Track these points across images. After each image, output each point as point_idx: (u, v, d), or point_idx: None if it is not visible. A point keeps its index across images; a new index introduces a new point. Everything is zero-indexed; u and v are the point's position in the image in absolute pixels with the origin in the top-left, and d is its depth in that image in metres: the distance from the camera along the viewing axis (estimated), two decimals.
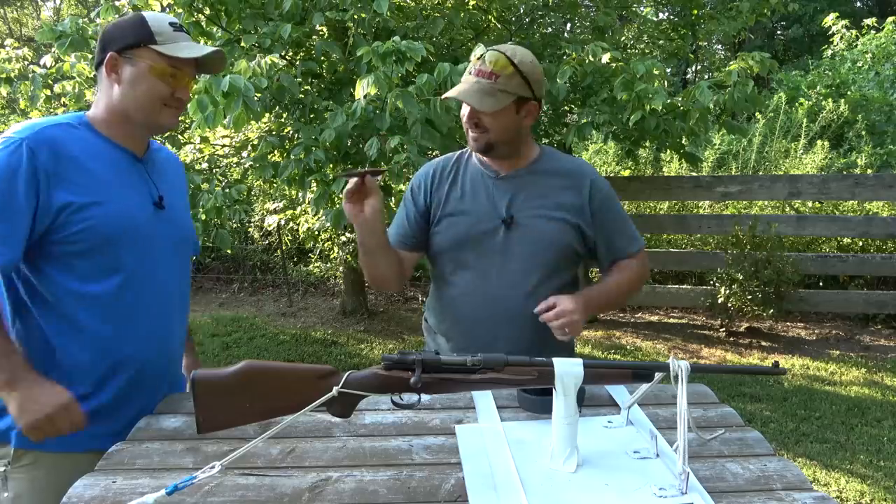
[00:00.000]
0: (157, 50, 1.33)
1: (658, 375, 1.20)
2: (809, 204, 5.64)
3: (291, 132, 3.65)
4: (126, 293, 1.35)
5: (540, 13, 4.61)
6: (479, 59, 1.59)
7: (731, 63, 3.63)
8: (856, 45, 9.02)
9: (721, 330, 5.06)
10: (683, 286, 5.41)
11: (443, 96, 1.67)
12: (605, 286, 1.70)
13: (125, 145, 1.39)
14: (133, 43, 1.34)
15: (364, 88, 2.81)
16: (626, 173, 6.49)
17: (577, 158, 1.81)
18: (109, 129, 1.37)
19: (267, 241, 6.27)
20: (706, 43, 6.32)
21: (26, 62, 3.78)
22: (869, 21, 9.12)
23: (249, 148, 4.16)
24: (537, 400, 1.34)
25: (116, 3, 3.69)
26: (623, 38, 5.36)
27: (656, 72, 3.38)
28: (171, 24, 1.38)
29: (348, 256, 5.09)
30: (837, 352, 4.72)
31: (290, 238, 6.17)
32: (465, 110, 1.60)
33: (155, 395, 1.44)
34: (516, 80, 1.55)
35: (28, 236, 1.27)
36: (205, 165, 4.14)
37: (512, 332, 1.61)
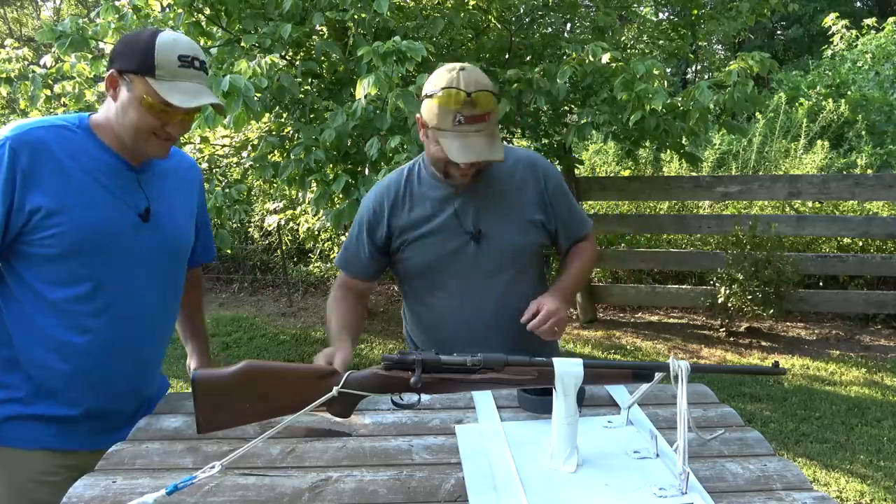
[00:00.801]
0: (152, 85, 1.28)
1: (658, 375, 1.20)
2: (809, 204, 5.64)
3: (291, 132, 3.65)
4: (92, 303, 1.34)
5: (540, 13, 4.61)
6: (461, 104, 1.42)
7: (731, 63, 3.63)
8: (856, 45, 9.03)
9: (721, 330, 5.06)
10: (683, 286, 5.41)
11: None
12: (573, 273, 1.68)
13: (121, 153, 1.37)
14: (133, 69, 1.29)
15: (365, 88, 2.81)
16: (626, 173, 6.49)
17: (520, 149, 1.75)
18: (107, 136, 1.36)
19: (267, 241, 6.27)
20: (706, 43, 6.32)
21: (26, 62, 3.78)
22: (869, 21, 9.12)
23: (249, 148, 4.16)
24: (537, 400, 1.34)
25: (116, 3, 3.69)
26: (623, 38, 5.36)
27: (656, 72, 3.38)
28: (180, 56, 1.30)
29: None
30: (837, 352, 4.72)
31: (290, 238, 6.17)
32: (461, 162, 1.45)
33: (130, 400, 1.44)
34: (496, 107, 1.49)
35: (2, 234, 1.27)
36: (205, 165, 4.14)
37: (498, 339, 1.58)
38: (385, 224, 1.63)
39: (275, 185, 5.14)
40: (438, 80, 1.47)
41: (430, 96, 1.47)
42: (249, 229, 6.23)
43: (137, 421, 1.35)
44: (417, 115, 1.57)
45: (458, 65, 1.50)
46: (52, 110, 3.94)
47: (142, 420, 1.33)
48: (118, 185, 1.36)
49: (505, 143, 1.78)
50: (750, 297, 4.74)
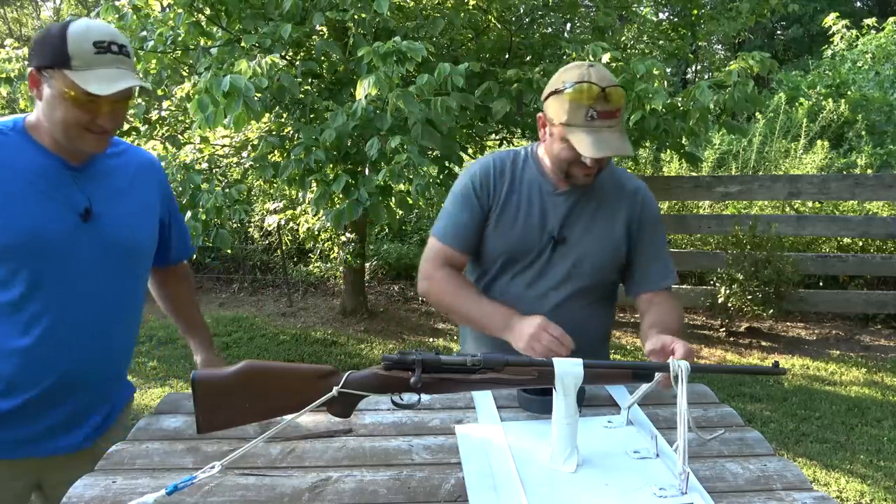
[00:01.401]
0: (70, 77, 1.21)
1: (658, 375, 1.20)
2: (809, 204, 5.64)
3: (291, 132, 3.65)
4: (32, 304, 1.30)
5: (540, 13, 4.61)
6: (594, 99, 1.39)
7: (732, 63, 3.63)
8: (856, 45, 9.03)
9: (721, 330, 5.06)
10: (683, 286, 5.40)
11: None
12: (673, 315, 1.54)
13: (57, 152, 1.31)
14: (49, 63, 1.23)
15: (365, 88, 2.81)
16: None
17: (629, 174, 1.69)
18: (42, 137, 1.30)
19: (267, 241, 6.27)
20: (706, 43, 6.32)
21: (26, 62, 3.78)
22: (869, 21, 9.12)
23: (249, 148, 4.16)
24: (537, 400, 1.34)
25: (116, 3, 3.69)
26: (623, 38, 5.35)
27: (656, 72, 3.38)
28: (95, 43, 1.23)
29: (348, 256, 5.09)
30: (837, 352, 4.72)
31: (290, 238, 6.17)
32: (594, 157, 1.41)
33: (85, 405, 1.40)
34: (625, 103, 1.48)
35: None
36: (205, 165, 4.14)
37: None
38: (491, 194, 1.58)
39: (275, 186, 5.14)
40: (568, 75, 1.43)
41: (559, 92, 1.43)
42: (249, 229, 6.23)
43: (90, 426, 1.33)
44: (539, 115, 1.52)
45: (585, 62, 1.47)
46: None
47: (142, 420, 1.33)
48: (54, 187, 1.30)
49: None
50: (750, 297, 4.74)
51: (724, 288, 4.82)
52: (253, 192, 5.80)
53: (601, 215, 1.58)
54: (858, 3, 14.21)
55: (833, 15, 9.48)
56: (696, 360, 1.28)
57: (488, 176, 1.59)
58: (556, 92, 1.45)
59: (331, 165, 3.42)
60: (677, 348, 1.27)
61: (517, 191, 1.58)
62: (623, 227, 1.58)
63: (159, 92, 3.72)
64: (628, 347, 4.74)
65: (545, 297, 1.57)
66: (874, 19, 9.17)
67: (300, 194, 4.67)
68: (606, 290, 1.65)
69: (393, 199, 3.65)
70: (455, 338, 4.94)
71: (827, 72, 8.49)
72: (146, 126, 3.90)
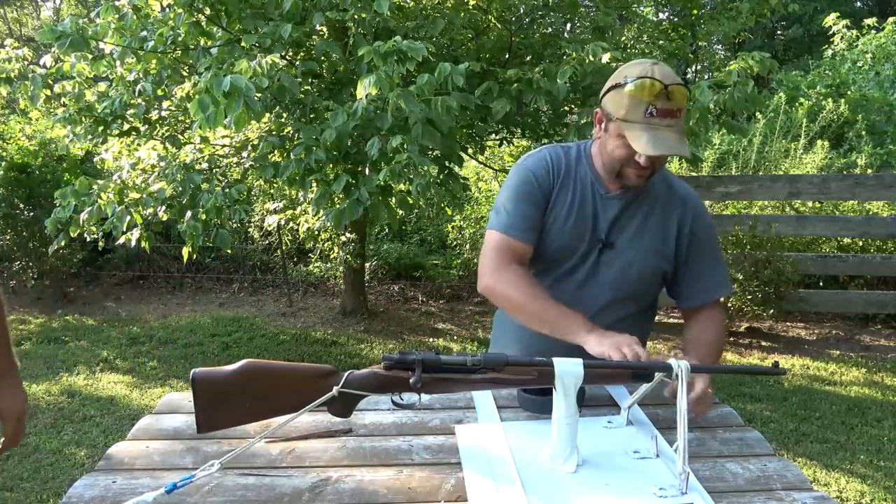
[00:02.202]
0: None
1: (658, 375, 1.20)
2: (809, 204, 5.63)
3: (292, 132, 3.65)
4: None
5: (540, 13, 4.61)
6: (655, 95, 1.34)
7: (732, 63, 3.62)
8: (856, 45, 9.02)
9: None
10: None
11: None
12: (713, 353, 1.49)
13: None
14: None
15: (366, 88, 2.81)
16: None
17: (682, 182, 1.64)
18: None
19: (267, 241, 6.27)
20: (706, 43, 6.31)
21: (26, 62, 3.78)
22: (869, 21, 9.12)
23: (249, 148, 4.15)
24: (537, 400, 1.34)
25: (116, 3, 3.69)
26: (623, 38, 5.35)
27: None
28: None
29: (348, 256, 5.09)
30: (837, 352, 4.72)
31: (290, 238, 6.17)
32: (640, 156, 1.38)
33: None
34: (688, 104, 1.43)
35: None
36: (205, 165, 4.14)
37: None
38: (550, 184, 1.53)
39: (275, 186, 5.13)
40: (630, 70, 1.38)
41: (620, 86, 1.38)
42: (249, 229, 6.23)
43: None
44: (596, 110, 1.48)
45: (649, 59, 1.43)
46: (51, 110, 3.94)
47: (142, 420, 1.33)
48: None
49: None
50: (750, 297, 4.74)
51: None
52: (253, 192, 5.80)
53: (652, 222, 1.53)
54: (858, 3, 14.21)
55: (833, 15, 9.47)
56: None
57: (546, 168, 1.54)
58: (616, 86, 1.40)
59: (331, 165, 3.42)
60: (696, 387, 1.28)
61: (570, 188, 1.53)
62: (673, 237, 1.54)
63: (159, 92, 3.71)
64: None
65: (586, 301, 1.52)
66: (874, 19, 9.16)
67: (300, 194, 4.67)
68: (648, 299, 1.61)
69: (393, 198, 3.65)
70: (455, 338, 4.94)
71: (827, 72, 8.49)
72: (146, 126, 3.90)
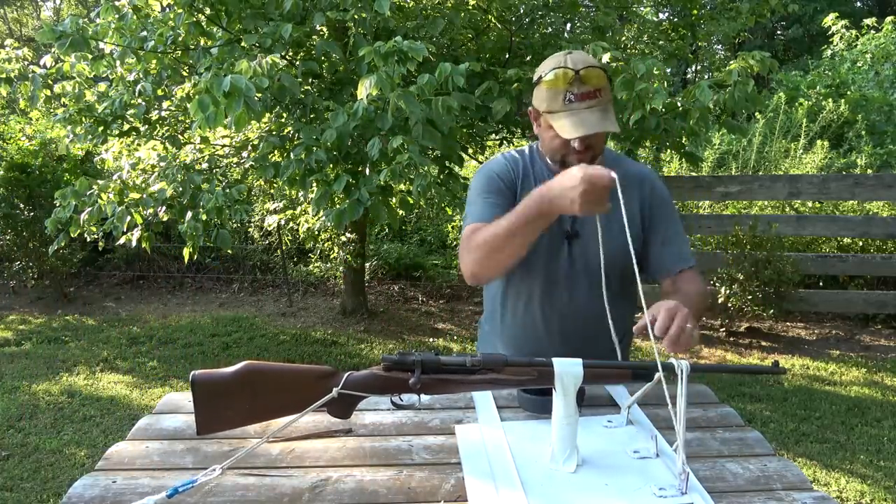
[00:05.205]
0: None
1: (658, 375, 1.20)
2: (809, 204, 5.64)
3: (292, 132, 3.65)
4: None
5: (540, 13, 4.61)
6: (569, 82, 1.40)
7: (732, 62, 3.62)
8: (855, 45, 9.03)
9: (721, 330, 5.06)
10: None
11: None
12: (688, 297, 1.43)
13: None
14: None
15: (366, 88, 2.81)
16: None
17: (637, 163, 1.68)
18: None
19: (267, 241, 6.27)
20: (706, 43, 6.31)
21: (26, 62, 3.78)
22: (869, 21, 9.12)
23: (249, 148, 4.15)
24: (537, 400, 1.34)
25: (116, 3, 3.69)
26: (623, 38, 5.35)
27: (656, 72, 3.37)
28: None
29: (348, 256, 5.09)
30: (837, 352, 4.72)
31: (290, 238, 6.17)
32: (573, 140, 1.42)
33: None
34: (608, 85, 1.45)
35: None
36: (205, 166, 4.14)
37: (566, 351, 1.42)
38: (510, 183, 1.57)
39: (275, 186, 5.14)
40: (546, 65, 1.46)
41: (539, 82, 1.46)
42: (249, 229, 6.24)
43: None
44: (530, 109, 1.53)
45: (565, 50, 1.49)
46: (51, 110, 3.94)
47: (142, 420, 1.33)
48: None
49: (619, 154, 1.67)
50: (750, 297, 4.74)
51: (724, 288, 4.82)
52: (253, 193, 5.81)
53: (614, 205, 1.51)
54: (858, 3, 14.21)
55: (833, 15, 9.48)
56: (696, 360, 1.26)
57: (506, 166, 1.60)
58: (537, 82, 1.48)
59: (331, 165, 3.42)
60: (658, 307, 1.22)
61: (531, 185, 1.57)
62: (637, 214, 1.56)
63: (159, 92, 3.72)
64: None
65: (564, 291, 1.56)
66: (874, 19, 9.16)
67: (301, 195, 4.67)
68: (626, 281, 1.60)
69: (394, 198, 3.65)
70: (455, 338, 4.94)
71: (827, 72, 8.49)
72: (146, 126, 3.90)
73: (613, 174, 1.27)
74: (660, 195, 1.60)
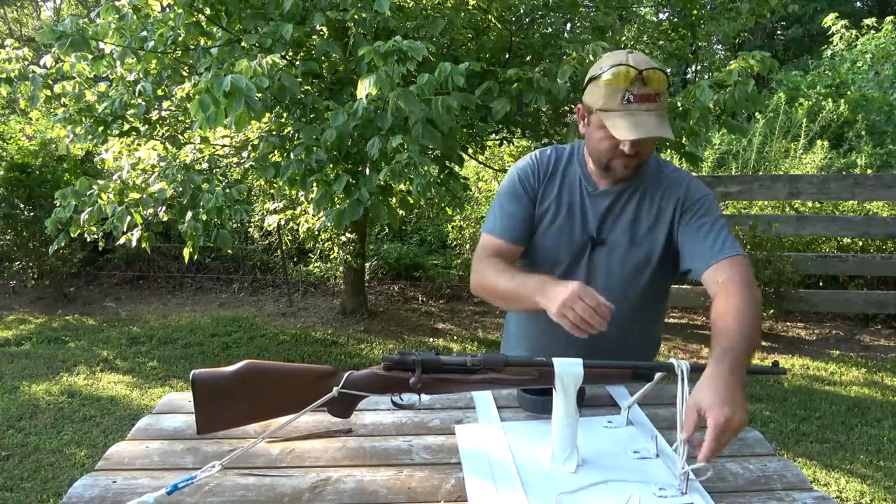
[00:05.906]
0: None
1: (658, 375, 1.20)
2: (809, 204, 5.64)
3: (292, 132, 3.65)
4: None
5: (540, 13, 4.60)
6: (631, 81, 1.34)
7: (732, 62, 3.62)
8: (855, 45, 9.02)
9: None
10: (683, 286, 5.40)
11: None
12: (733, 335, 1.21)
13: None
14: None
15: (366, 88, 2.81)
16: None
17: (675, 166, 1.59)
18: None
19: (267, 241, 6.27)
20: (706, 43, 6.31)
21: (26, 62, 3.78)
22: (868, 21, 9.12)
23: (249, 148, 4.15)
24: (537, 400, 1.34)
25: (116, 3, 3.69)
26: (623, 38, 5.35)
27: None
28: None
29: (348, 256, 5.09)
30: (837, 352, 4.72)
31: (290, 238, 6.17)
32: (623, 143, 1.38)
33: None
34: (667, 91, 1.40)
35: None
36: (205, 166, 4.14)
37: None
38: (534, 186, 1.55)
39: (275, 186, 5.14)
40: (605, 61, 1.40)
41: (596, 78, 1.40)
42: (249, 229, 6.23)
43: None
44: (579, 106, 1.48)
45: (625, 49, 1.44)
46: (52, 110, 3.93)
47: (142, 420, 1.33)
48: None
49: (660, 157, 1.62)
50: None
51: None
52: (253, 193, 5.80)
53: (645, 212, 1.52)
54: (858, 3, 14.21)
55: (833, 15, 9.47)
56: (696, 360, 1.25)
57: (532, 167, 1.57)
58: (593, 79, 1.41)
59: (331, 165, 3.42)
60: (702, 407, 1.08)
61: (556, 186, 1.55)
62: (668, 221, 1.51)
63: (159, 92, 3.71)
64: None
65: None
66: (874, 19, 9.16)
67: (301, 195, 4.67)
68: (654, 289, 1.58)
69: (394, 198, 3.64)
70: (455, 338, 4.94)
71: (827, 72, 8.49)
72: (146, 126, 3.90)
73: (611, 305, 1.24)
74: (694, 194, 1.52)
